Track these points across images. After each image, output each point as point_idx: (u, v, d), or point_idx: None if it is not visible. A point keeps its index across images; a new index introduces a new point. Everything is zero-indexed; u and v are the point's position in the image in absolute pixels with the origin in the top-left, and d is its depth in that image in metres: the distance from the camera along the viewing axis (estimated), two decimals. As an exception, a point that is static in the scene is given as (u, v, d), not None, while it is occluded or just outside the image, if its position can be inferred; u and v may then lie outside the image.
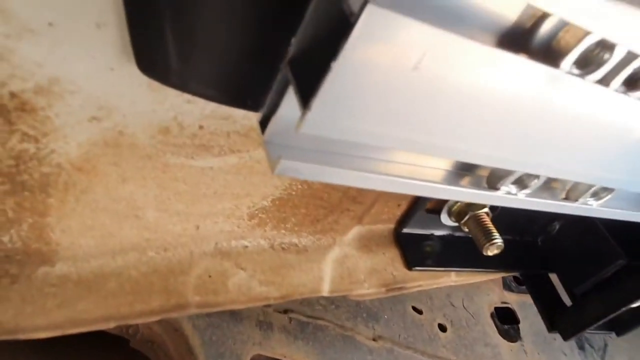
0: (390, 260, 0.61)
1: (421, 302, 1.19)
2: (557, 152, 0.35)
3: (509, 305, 1.33)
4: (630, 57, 0.30)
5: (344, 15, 0.23)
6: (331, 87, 0.25)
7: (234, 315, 0.93)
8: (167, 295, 0.44)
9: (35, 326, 0.37)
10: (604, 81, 0.31)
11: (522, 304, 1.33)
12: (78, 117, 0.32)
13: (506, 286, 1.37)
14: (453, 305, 1.27)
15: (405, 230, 0.64)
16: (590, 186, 0.44)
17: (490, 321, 1.27)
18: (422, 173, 0.38)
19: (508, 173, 0.38)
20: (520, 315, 1.30)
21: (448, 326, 1.19)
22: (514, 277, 1.42)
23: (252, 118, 0.39)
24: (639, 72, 0.32)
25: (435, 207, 0.64)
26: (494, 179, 0.39)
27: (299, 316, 1.00)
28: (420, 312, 1.17)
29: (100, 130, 0.34)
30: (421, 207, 0.62)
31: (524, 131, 0.32)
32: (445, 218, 0.65)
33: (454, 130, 0.29)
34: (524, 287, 1.37)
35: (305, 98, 0.26)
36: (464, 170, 0.41)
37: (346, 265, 0.57)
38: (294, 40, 0.28)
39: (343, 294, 0.55)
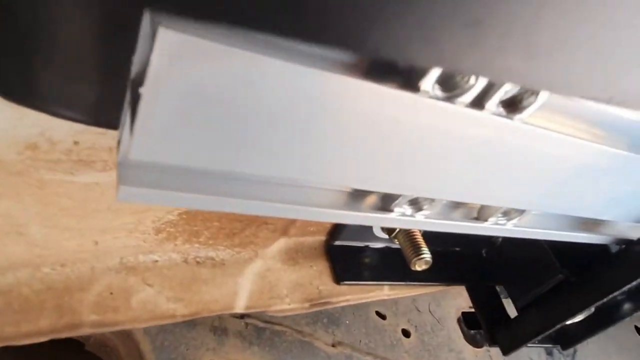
0: (317, 274, 0.60)
1: (386, 307, 1.18)
2: (445, 176, 0.34)
3: (478, 311, 1.31)
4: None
5: (150, 40, 0.21)
6: (149, 113, 0.23)
7: (188, 321, 0.92)
8: (59, 314, 0.42)
9: None
10: (478, 104, 0.30)
11: (491, 309, 1.32)
12: None
13: (475, 291, 1.35)
14: (418, 310, 1.25)
15: (337, 243, 0.63)
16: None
17: (456, 326, 1.26)
18: (313, 195, 0.36)
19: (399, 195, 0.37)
20: (488, 320, 1.28)
21: (412, 331, 1.18)
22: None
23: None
24: (518, 95, 0.31)
25: (367, 219, 0.62)
26: (387, 201, 0.38)
27: (256, 321, 0.99)
28: (384, 317, 1.16)
29: (-44, 147, 0.32)
30: (351, 220, 0.60)
31: (398, 155, 0.31)
32: (378, 230, 0.64)
33: (305, 154, 0.28)
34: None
35: (131, 124, 0.24)
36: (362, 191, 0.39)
37: (268, 279, 0.56)
38: (134, 59, 0.27)
39: (261, 310, 0.53)
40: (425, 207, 0.38)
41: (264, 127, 0.26)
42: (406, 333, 1.20)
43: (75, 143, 0.36)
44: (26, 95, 0.28)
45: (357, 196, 0.39)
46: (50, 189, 0.38)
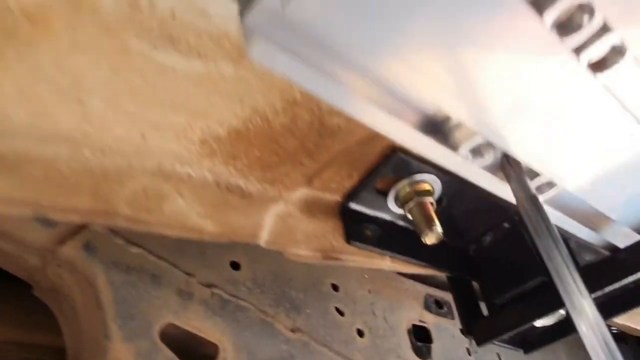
0: (331, 230, 0.60)
1: (345, 305, 1.20)
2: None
3: (426, 325, 1.36)
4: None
5: None
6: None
7: (155, 278, 0.88)
8: (96, 198, 0.40)
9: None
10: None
11: (438, 326, 1.37)
12: (43, -46, 0.29)
13: (427, 307, 1.41)
14: (374, 314, 1.28)
15: (351, 206, 0.64)
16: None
17: (406, 336, 1.30)
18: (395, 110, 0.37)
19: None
20: (434, 336, 1.33)
21: (366, 332, 1.20)
22: (435, 300, 1.47)
23: (227, 24, 0.37)
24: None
25: (384, 188, 0.64)
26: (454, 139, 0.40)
27: (222, 293, 0.97)
28: (342, 314, 1.18)
29: (65, -21, 0.31)
30: (371, 184, 0.62)
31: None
32: (391, 202, 0.65)
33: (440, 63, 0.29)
34: (443, 310, 1.42)
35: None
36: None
37: (287, 223, 0.56)
38: None
39: (280, 248, 0.53)
40: (485, 155, 0.41)
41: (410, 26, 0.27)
42: (360, 333, 1.22)
43: (172, 15, 0.35)
44: None
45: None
46: (130, 59, 0.36)
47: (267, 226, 0.52)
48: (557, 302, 0.70)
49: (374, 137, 0.53)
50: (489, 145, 0.40)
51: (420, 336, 1.34)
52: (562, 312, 0.72)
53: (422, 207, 0.62)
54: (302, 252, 0.55)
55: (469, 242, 0.80)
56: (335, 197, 0.63)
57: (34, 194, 0.37)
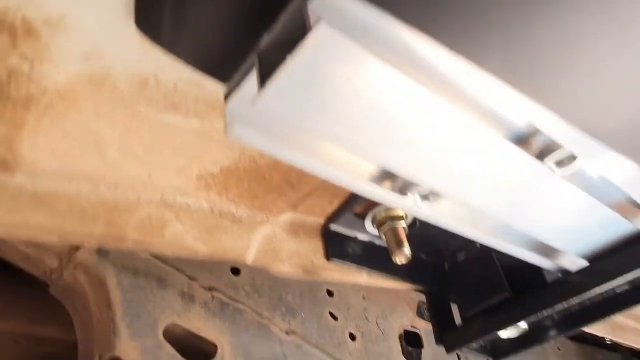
0: (312, 250, 0.69)
1: (339, 310, 1.27)
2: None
3: (418, 331, 1.43)
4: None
5: (304, 25, 0.31)
6: (284, 75, 0.32)
7: (161, 282, 0.97)
8: (110, 226, 0.50)
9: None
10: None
11: (430, 332, 1.44)
12: (74, 53, 0.38)
13: (420, 314, 1.48)
14: (367, 320, 1.35)
15: (332, 228, 0.73)
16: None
17: (398, 341, 1.37)
18: (351, 170, 0.46)
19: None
20: (425, 341, 1.40)
21: (358, 337, 1.28)
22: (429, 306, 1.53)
23: (219, 92, 0.46)
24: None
25: (363, 212, 0.73)
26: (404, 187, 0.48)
27: (222, 296, 1.05)
28: (336, 318, 1.25)
29: (90, 68, 0.40)
30: (350, 209, 0.71)
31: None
32: (369, 225, 0.74)
33: (376, 138, 0.38)
34: (435, 316, 1.49)
35: (263, 79, 0.33)
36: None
37: (273, 244, 0.65)
38: (265, 36, 0.36)
39: (265, 266, 0.62)
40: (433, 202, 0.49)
41: (353, 106, 0.35)
42: (353, 337, 1.29)
43: (175, 87, 0.44)
44: (171, 42, 0.37)
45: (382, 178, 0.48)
46: (140, 120, 0.46)
47: (254, 247, 0.61)
48: (518, 315, 0.78)
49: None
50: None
51: (412, 341, 1.41)
52: (524, 326, 0.80)
53: (394, 231, 0.70)
54: (285, 269, 0.64)
55: (445, 259, 0.88)
56: (318, 220, 0.72)
57: (61, 224, 0.46)
